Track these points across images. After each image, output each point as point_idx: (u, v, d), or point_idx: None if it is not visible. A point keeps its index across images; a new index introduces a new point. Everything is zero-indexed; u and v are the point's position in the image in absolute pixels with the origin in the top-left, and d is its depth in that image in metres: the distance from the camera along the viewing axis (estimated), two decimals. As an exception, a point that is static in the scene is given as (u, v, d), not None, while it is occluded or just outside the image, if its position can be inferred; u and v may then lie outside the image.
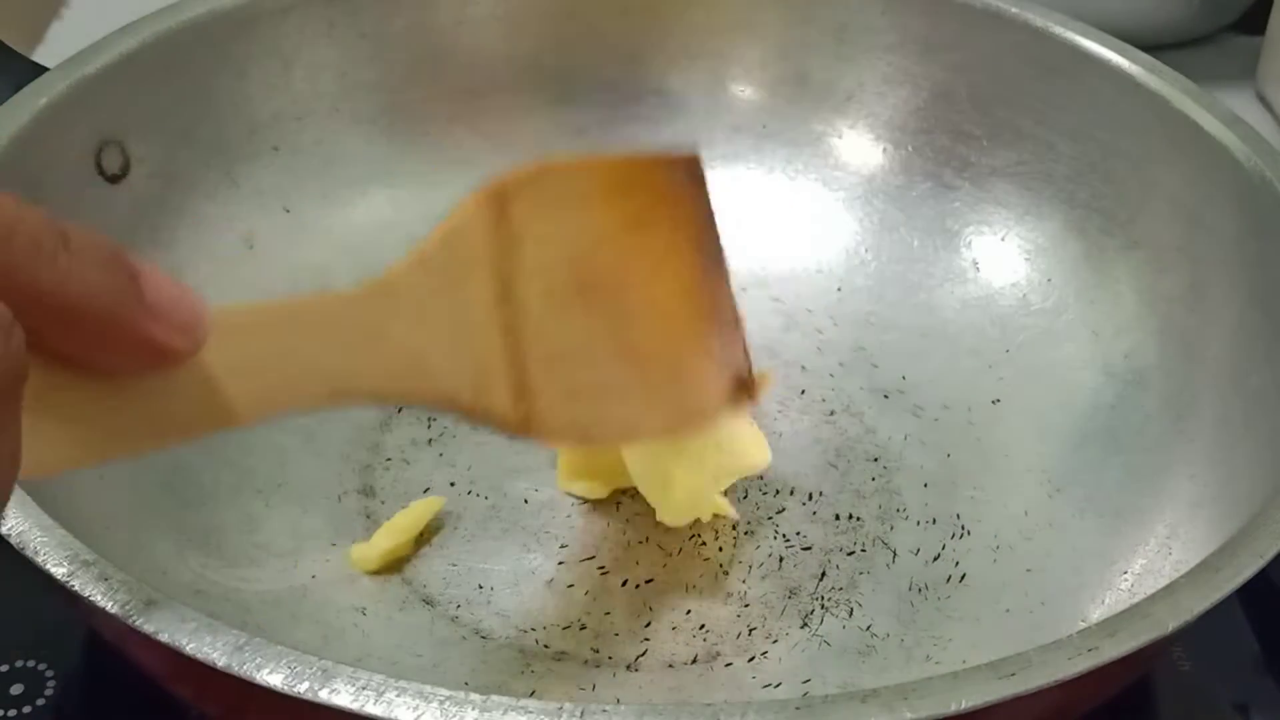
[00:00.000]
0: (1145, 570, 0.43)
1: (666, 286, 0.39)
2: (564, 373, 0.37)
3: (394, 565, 0.44)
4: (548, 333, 0.37)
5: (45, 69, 0.47)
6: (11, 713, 0.41)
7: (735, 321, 0.41)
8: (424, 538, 0.45)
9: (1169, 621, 0.32)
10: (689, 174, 0.40)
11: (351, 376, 0.33)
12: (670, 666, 0.42)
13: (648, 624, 0.43)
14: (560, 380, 0.37)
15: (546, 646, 0.42)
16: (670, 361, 0.39)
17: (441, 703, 0.29)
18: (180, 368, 0.28)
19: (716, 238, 0.41)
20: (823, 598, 0.44)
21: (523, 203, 0.36)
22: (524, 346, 0.36)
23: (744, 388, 0.41)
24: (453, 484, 0.47)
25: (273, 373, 0.31)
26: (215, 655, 0.30)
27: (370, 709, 0.29)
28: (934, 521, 0.47)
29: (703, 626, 0.43)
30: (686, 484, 0.44)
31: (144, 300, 0.27)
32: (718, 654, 0.43)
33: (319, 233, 0.53)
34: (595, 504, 0.46)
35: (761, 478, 0.48)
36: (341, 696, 0.29)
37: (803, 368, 0.52)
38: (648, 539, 0.46)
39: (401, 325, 0.34)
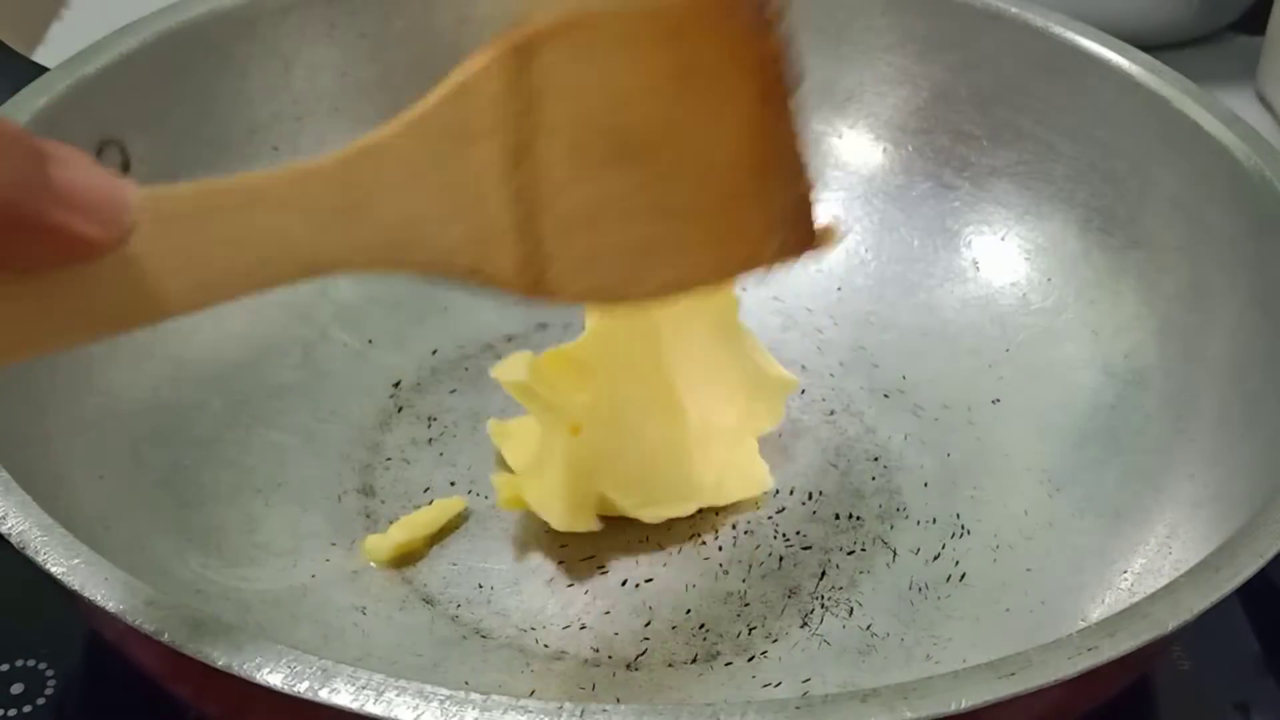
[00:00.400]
0: (1145, 570, 0.43)
1: (720, 138, 0.36)
2: (588, 235, 0.34)
3: (404, 560, 0.44)
4: (570, 194, 0.34)
5: (45, 69, 0.47)
6: (12, 712, 0.41)
7: (800, 170, 0.37)
8: (436, 538, 0.45)
9: (1169, 621, 0.32)
10: (755, 11, 0.36)
11: (324, 253, 0.31)
12: (670, 666, 0.42)
13: (648, 624, 0.43)
14: (583, 242, 0.34)
15: (546, 646, 0.42)
16: (717, 215, 0.36)
17: (442, 702, 0.29)
18: (109, 258, 0.26)
19: (786, 79, 0.37)
20: (822, 597, 0.44)
21: (550, 54, 0.33)
22: (540, 209, 0.33)
23: (804, 235, 0.38)
24: (453, 484, 0.47)
25: (228, 257, 0.29)
26: (215, 655, 0.30)
27: (370, 708, 0.29)
28: (934, 521, 0.47)
29: (702, 626, 0.43)
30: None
31: (53, 187, 0.24)
32: (717, 653, 0.43)
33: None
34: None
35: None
36: (341, 696, 0.29)
37: (803, 367, 0.52)
38: (648, 539, 0.46)
39: (387, 195, 0.32)
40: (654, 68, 0.34)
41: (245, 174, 0.31)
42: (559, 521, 0.44)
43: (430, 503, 0.46)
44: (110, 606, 0.31)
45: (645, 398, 0.45)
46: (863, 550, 0.46)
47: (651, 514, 0.45)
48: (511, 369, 0.45)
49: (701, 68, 0.35)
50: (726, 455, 0.47)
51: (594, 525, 0.45)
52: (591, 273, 0.35)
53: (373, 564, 0.44)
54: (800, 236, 0.38)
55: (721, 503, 0.46)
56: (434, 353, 0.52)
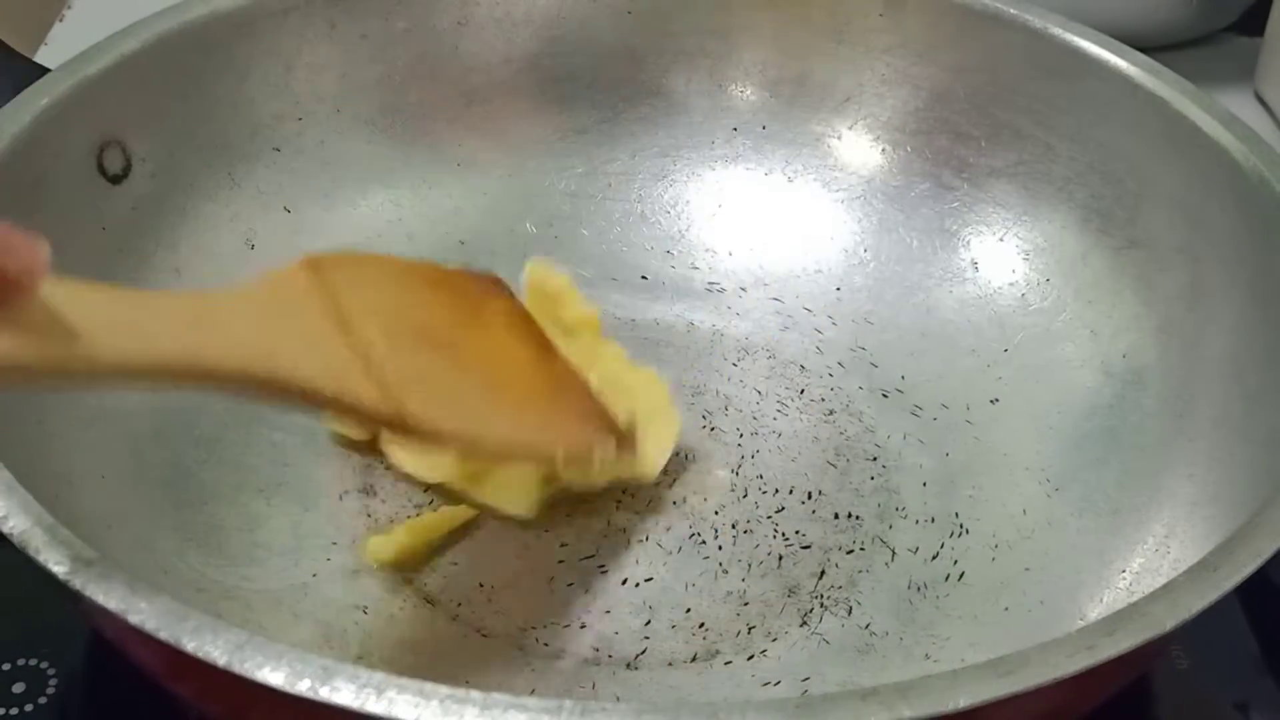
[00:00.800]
0: (1144, 569, 0.43)
1: (502, 348, 0.43)
2: (427, 389, 0.39)
3: (406, 563, 0.44)
4: (398, 359, 0.38)
5: (47, 70, 0.47)
6: (13, 711, 0.41)
7: (579, 387, 0.45)
8: (439, 541, 0.45)
9: (1167, 620, 0.32)
10: (497, 288, 0.45)
11: (196, 351, 0.33)
12: (670, 665, 0.42)
13: (648, 623, 0.43)
14: (426, 393, 0.38)
15: (546, 645, 0.42)
16: (525, 403, 0.43)
17: (442, 701, 0.29)
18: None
19: (543, 336, 0.45)
20: (822, 596, 0.44)
21: (339, 273, 0.39)
22: (378, 364, 0.37)
23: (615, 434, 0.44)
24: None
25: (108, 338, 0.31)
26: (216, 654, 0.30)
27: (371, 707, 0.29)
28: (933, 520, 0.47)
29: (702, 625, 0.43)
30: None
31: None
32: (717, 652, 0.43)
33: (319, 233, 0.53)
34: (595, 503, 0.47)
35: (761, 476, 0.48)
36: (343, 695, 0.29)
37: (802, 367, 0.52)
38: (648, 538, 0.46)
39: (244, 325, 0.35)
40: (425, 297, 0.42)
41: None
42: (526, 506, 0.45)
43: (434, 506, 0.46)
44: (111, 606, 0.31)
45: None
46: (862, 549, 0.46)
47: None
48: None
49: (466, 307, 0.43)
50: None
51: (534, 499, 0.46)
52: (444, 417, 0.39)
53: (374, 564, 0.44)
54: (606, 434, 0.44)
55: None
56: (434, 353, 0.52)
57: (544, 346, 0.44)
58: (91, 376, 0.32)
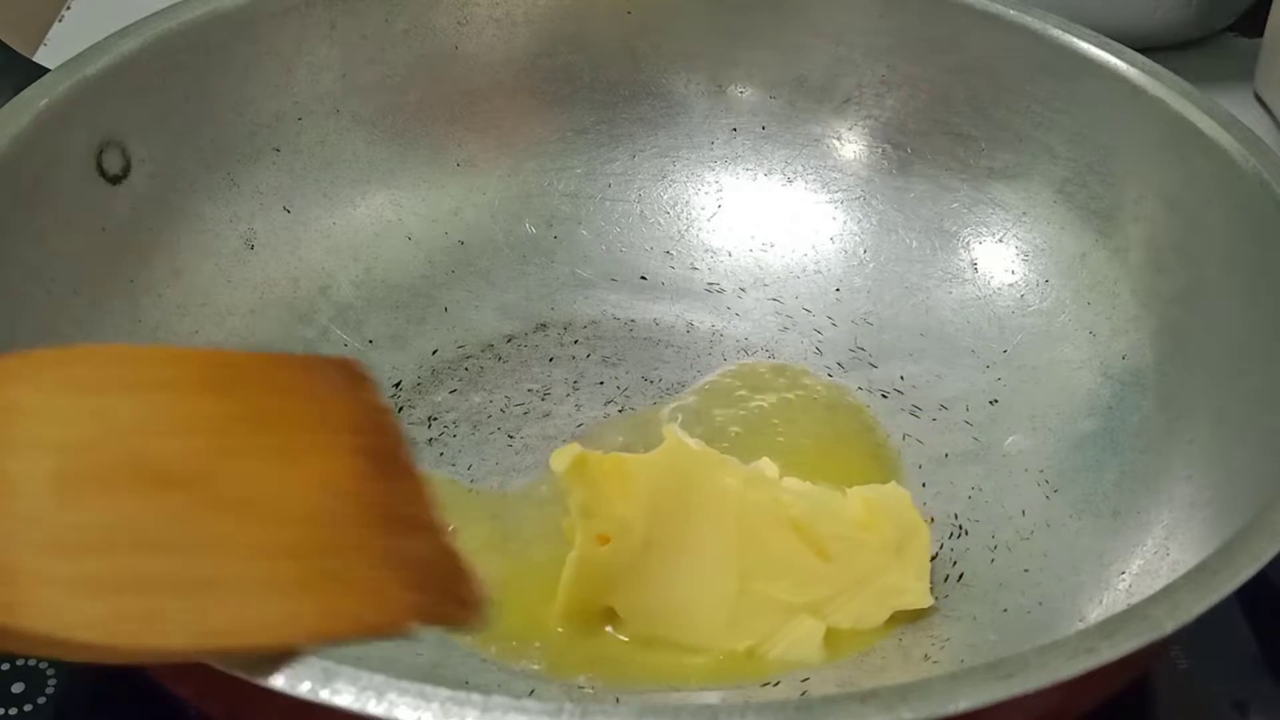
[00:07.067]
0: (1143, 571, 0.43)
1: (299, 486, 0.32)
2: (90, 561, 0.28)
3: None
4: (62, 518, 0.28)
5: (46, 70, 0.47)
6: (12, 711, 0.41)
7: (429, 528, 0.34)
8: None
9: (1167, 623, 0.32)
10: (345, 377, 0.34)
11: None
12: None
13: (647, 624, 0.43)
14: (82, 568, 0.28)
15: (547, 645, 0.42)
16: (308, 561, 0.31)
17: (443, 703, 0.29)
18: None
19: (390, 434, 0.34)
20: (821, 597, 0.44)
21: (31, 386, 0.29)
22: (14, 529, 0.28)
23: (448, 598, 0.33)
24: (454, 483, 0.47)
25: None
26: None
27: (372, 709, 0.29)
28: (932, 521, 0.47)
29: (702, 626, 0.43)
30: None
31: None
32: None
33: (319, 233, 0.53)
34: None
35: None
36: (343, 697, 0.29)
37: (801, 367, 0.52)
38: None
39: None
40: (196, 410, 0.31)
41: None
42: (556, 615, 0.43)
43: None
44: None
45: (683, 540, 0.42)
46: (861, 550, 0.46)
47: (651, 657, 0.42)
48: (565, 457, 0.41)
49: (266, 420, 0.32)
50: (771, 625, 0.43)
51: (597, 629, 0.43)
52: (103, 603, 0.28)
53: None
54: (444, 599, 0.33)
55: (760, 675, 0.42)
56: (434, 353, 0.52)
57: (381, 476, 0.34)
58: None
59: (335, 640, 0.31)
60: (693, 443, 0.42)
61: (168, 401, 0.31)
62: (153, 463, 0.30)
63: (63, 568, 0.28)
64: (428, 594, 0.32)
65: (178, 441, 0.30)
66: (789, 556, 0.42)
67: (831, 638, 0.43)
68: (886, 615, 0.43)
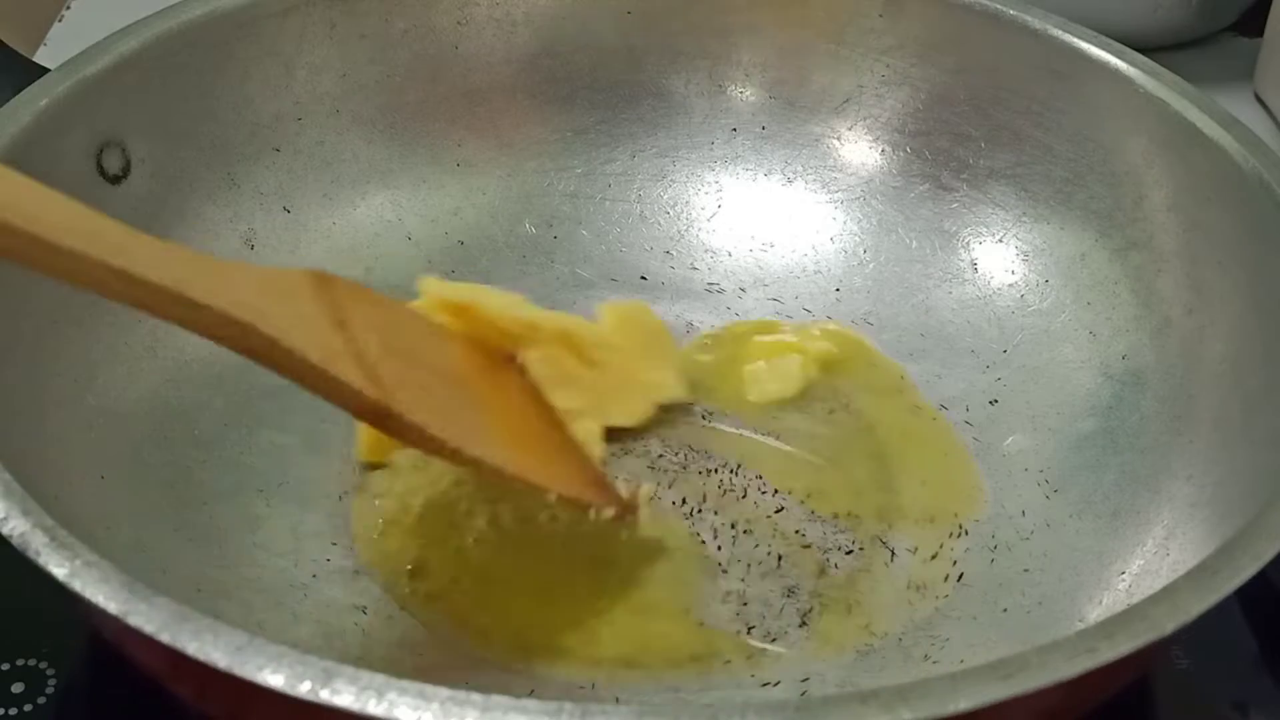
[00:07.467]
0: (1143, 571, 0.43)
1: (509, 400, 0.44)
2: (416, 392, 0.39)
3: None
4: (391, 365, 0.38)
5: (46, 70, 0.47)
6: (12, 711, 0.41)
7: (594, 463, 0.45)
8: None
9: (1168, 623, 0.33)
10: (512, 363, 0.45)
11: (181, 281, 0.33)
12: (670, 665, 0.42)
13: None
14: (414, 394, 0.39)
15: (547, 645, 0.42)
16: (532, 440, 0.43)
17: (443, 703, 0.29)
18: None
19: (554, 411, 0.45)
20: (822, 596, 0.44)
21: (348, 292, 0.39)
22: (370, 361, 0.37)
23: (614, 497, 0.44)
24: (453, 482, 0.47)
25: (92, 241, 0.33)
26: (217, 656, 0.30)
27: (372, 709, 0.29)
28: (932, 521, 0.47)
29: (701, 625, 0.43)
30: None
31: None
32: (717, 652, 0.43)
33: (319, 233, 0.53)
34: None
35: (760, 476, 0.48)
36: (343, 697, 0.29)
37: (801, 368, 0.52)
38: (646, 538, 0.46)
39: (238, 282, 0.35)
40: (432, 342, 0.43)
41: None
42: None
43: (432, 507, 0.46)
44: (111, 608, 0.31)
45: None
46: (861, 550, 0.46)
47: None
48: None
49: (474, 361, 0.44)
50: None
51: None
52: (434, 422, 0.39)
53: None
54: (600, 492, 0.44)
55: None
56: (434, 353, 0.52)
57: (554, 418, 0.45)
58: (67, 260, 0.32)
59: (540, 484, 0.42)
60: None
61: (423, 334, 0.43)
62: (427, 360, 0.41)
63: (410, 393, 0.38)
64: (601, 484, 0.45)
65: (437, 356, 0.42)
66: (563, 368, 0.47)
67: (831, 636, 0.43)
68: (652, 410, 0.49)
